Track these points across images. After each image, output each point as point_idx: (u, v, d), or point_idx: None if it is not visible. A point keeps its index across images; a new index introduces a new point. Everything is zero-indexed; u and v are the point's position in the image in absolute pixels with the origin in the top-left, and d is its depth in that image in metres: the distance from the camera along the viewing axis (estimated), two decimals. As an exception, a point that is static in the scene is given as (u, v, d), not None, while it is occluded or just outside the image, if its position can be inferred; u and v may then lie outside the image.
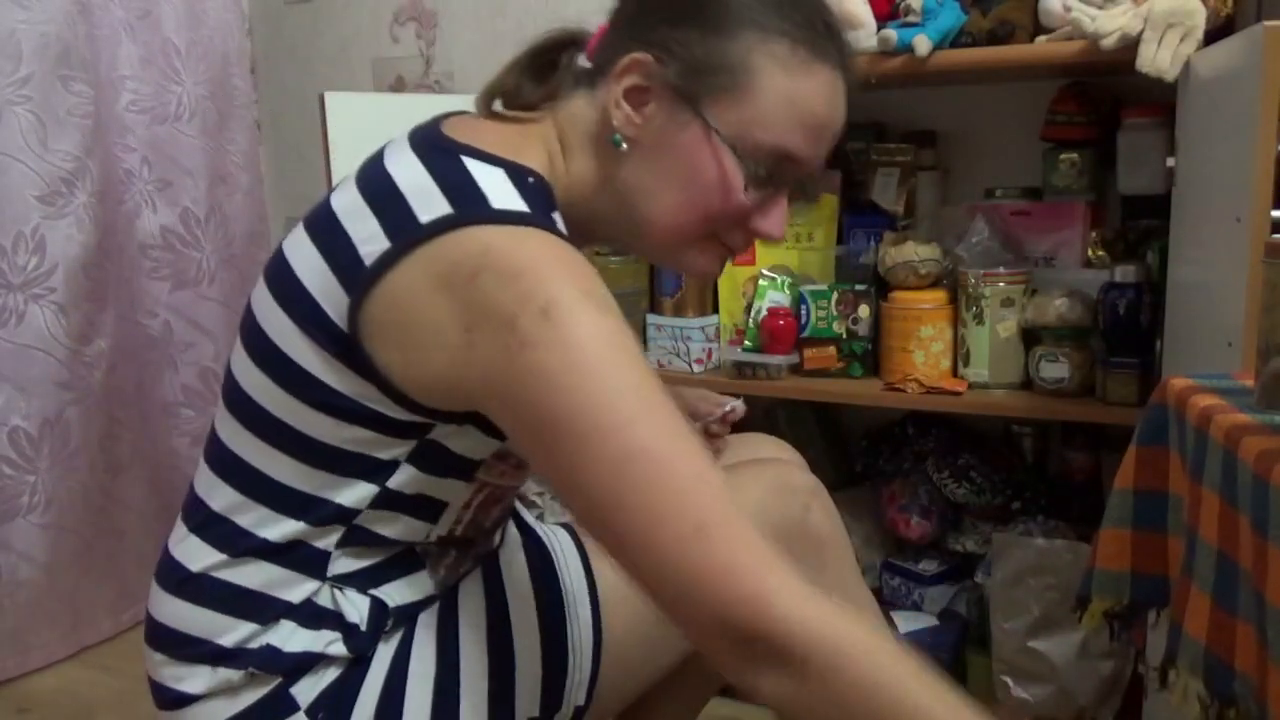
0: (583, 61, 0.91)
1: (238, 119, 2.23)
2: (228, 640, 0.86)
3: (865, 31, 1.48)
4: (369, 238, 0.78)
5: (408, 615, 0.91)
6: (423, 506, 0.87)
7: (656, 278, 1.78)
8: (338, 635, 0.87)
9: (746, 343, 1.70)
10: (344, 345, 0.78)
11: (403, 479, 0.84)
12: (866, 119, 1.82)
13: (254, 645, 0.86)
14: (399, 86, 2.20)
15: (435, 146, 0.83)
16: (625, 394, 0.71)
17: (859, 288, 1.64)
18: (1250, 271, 1.03)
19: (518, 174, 0.81)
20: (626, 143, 0.84)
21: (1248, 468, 0.72)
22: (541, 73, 0.92)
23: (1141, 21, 1.29)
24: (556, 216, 0.82)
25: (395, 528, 0.87)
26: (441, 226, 0.75)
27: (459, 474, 0.86)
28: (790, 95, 0.83)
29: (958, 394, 1.53)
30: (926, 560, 1.76)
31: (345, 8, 2.30)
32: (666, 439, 0.71)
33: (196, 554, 0.88)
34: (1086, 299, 1.49)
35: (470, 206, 0.76)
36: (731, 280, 1.76)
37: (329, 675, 0.88)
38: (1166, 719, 1.23)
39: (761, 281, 1.70)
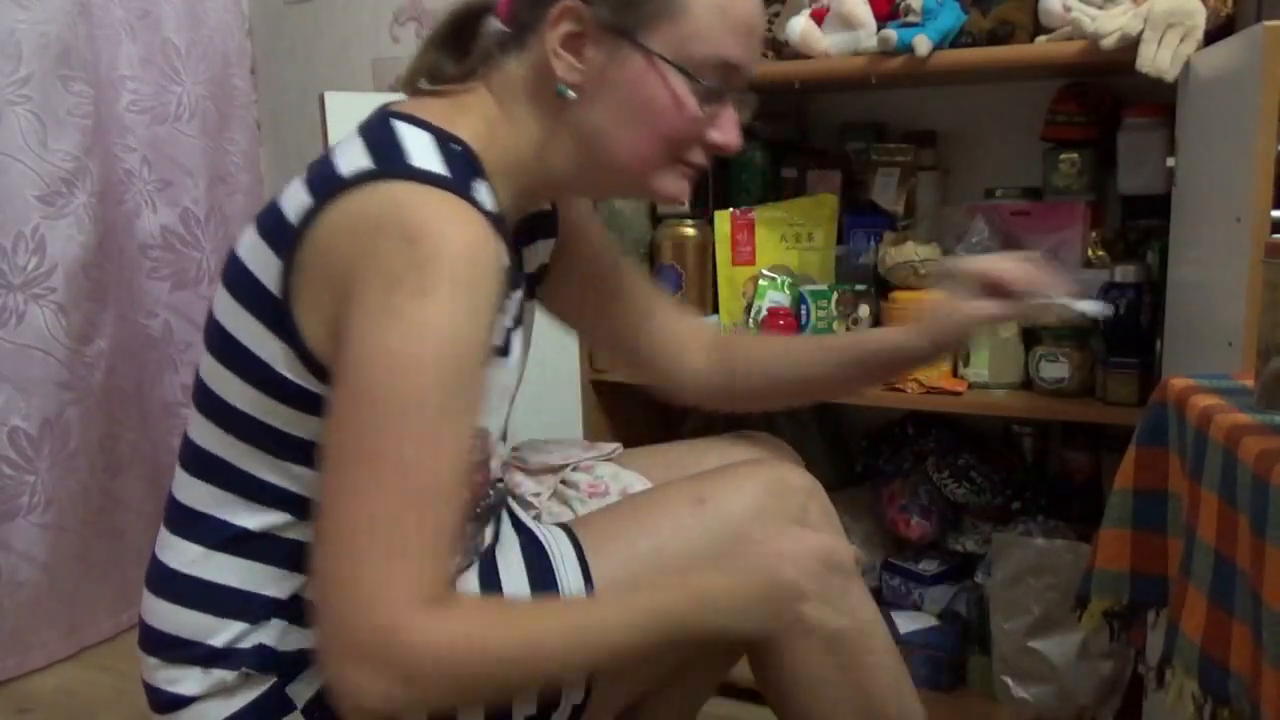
0: (499, 26, 0.92)
1: (238, 119, 2.23)
2: (218, 640, 0.86)
3: (865, 31, 1.48)
4: (297, 202, 0.81)
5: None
6: None
7: (656, 278, 1.78)
8: None
9: (746, 343, 1.70)
10: (274, 310, 0.81)
11: None
12: (866, 119, 1.82)
13: (246, 645, 0.86)
14: (399, 87, 2.20)
15: (372, 120, 0.86)
16: (419, 415, 0.74)
17: (859, 288, 1.64)
18: (1250, 271, 1.03)
19: (444, 139, 0.84)
20: (573, 89, 0.86)
21: (1247, 468, 0.72)
22: (461, 45, 0.93)
23: (1141, 21, 1.29)
24: (480, 186, 0.83)
25: None
26: (360, 179, 0.79)
27: None
28: (719, 5, 0.86)
29: (958, 394, 1.53)
30: (926, 560, 1.76)
31: (345, 8, 2.30)
32: (415, 463, 0.74)
33: (178, 552, 0.88)
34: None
35: (389, 162, 0.80)
36: (731, 280, 1.76)
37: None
38: (1166, 719, 1.23)
39: (761, 281, 1.70)
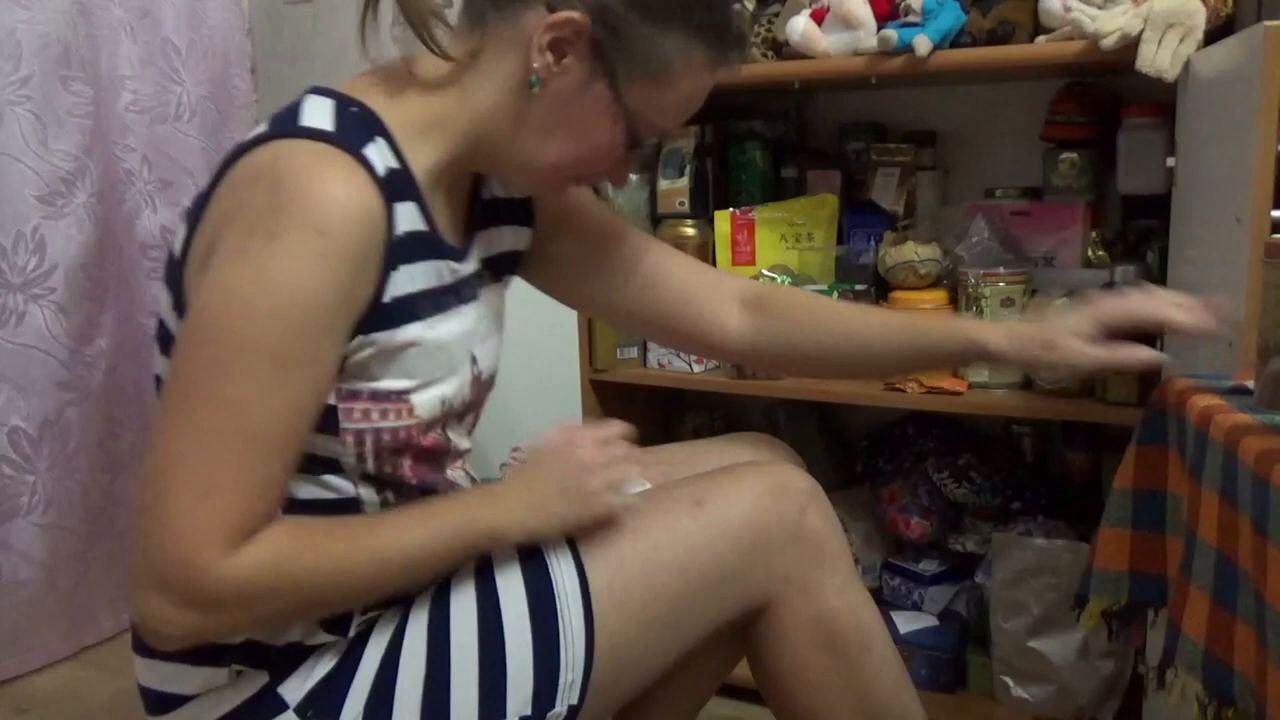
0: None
1: (238, 119, 2.23)
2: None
3: (865, 31, 1.48)
4: (210, 178, 0.85)
5: (382, 602, 0.91)
6: (321, 465, 0.88)
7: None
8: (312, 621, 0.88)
9: (746, 343, 1.69)
10: (174, 277, 0.84)
11: None
12: (866, 119, 1.82)
13: (235, 640, 0.86)
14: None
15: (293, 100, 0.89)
16: (249, 361, 0.77)
17: (859, 288, 1.64)
18: (1250, 271, 1.03)
19: (344, 102, 0.86)
20: (538, 85, 0.89)
21: (1247, 468, 0.72)
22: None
23: (1141, 21, 1.29)
24: (376, 144, 0.85)
25: (319, 489, 0.88)
26: (254, 144, 0.82)
27: (321, 427, 0.85)
28: (689, 93, 0.92)
29: (958, 394, 1.53)
30: (926, 560, 1.76)
31: (345, 8, 2.30)
32: (236, 415, 0.77)
33: None
34: (1087, 299, 1.49)
35: (282, 126, 0.83)
36: (731, 280, 1.75)
37: (317, 673, 0.88)
38: (1167, 719, 1.23)
39: (761, 281, 1.70)
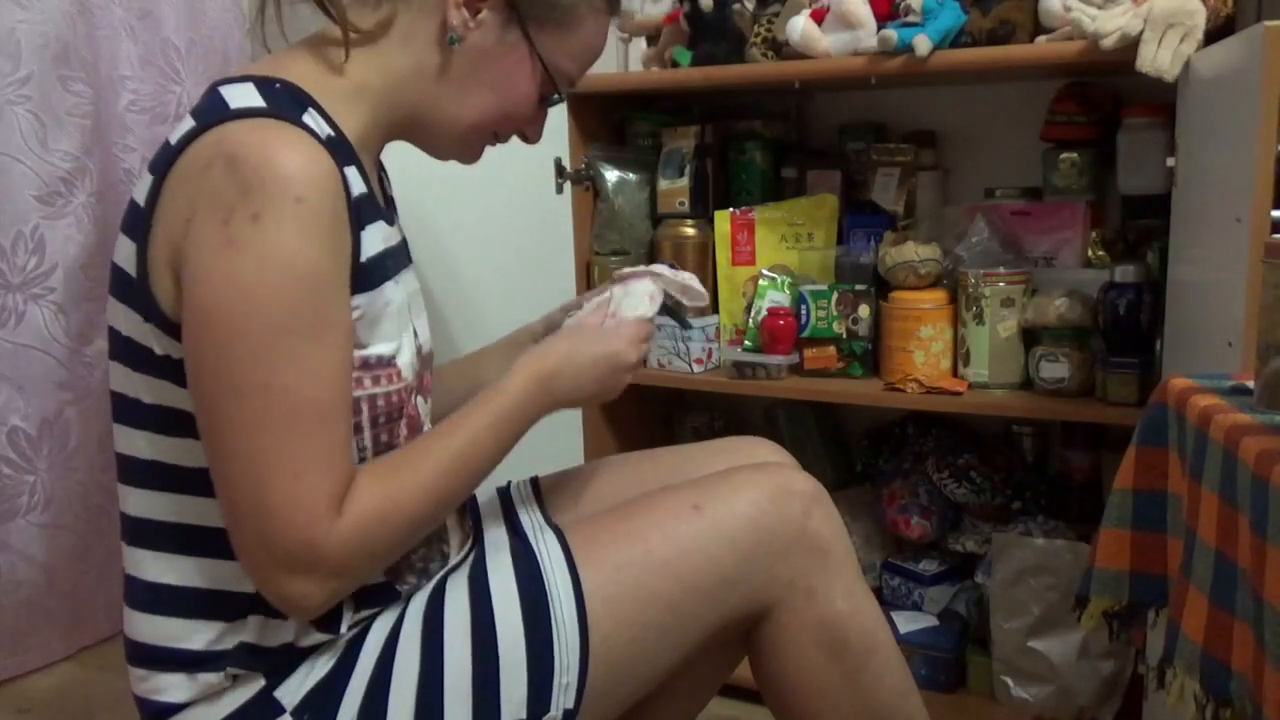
0: None
1: (238, 119, 2.23)
2: (198, 643, 0.86)
3: (865, 31, 1.48)
4: (143, 188, 0.84)
5: (367, 599, 0.91)
6: None
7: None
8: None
9: (746, 343, 1.70)
10: (136, 291, 0.83)
11: None
12: (866, 119, 1.82)
13: (228, 645, 0.87)
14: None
15: (202, 96, 0.88)
16: (278, 339, 0.78)
17: (859, 288, 1.64)
18: (1250, 271, 1.02)
19: (263, 82, 0.86)
20: (457, 41, 0.92)
21: (1247, 468, 0.72)
22: None
23: (1141, 21, 1.29)
24: (310, 113, 0.85)
25: None
26: (187, 139, 0.81)
27: None
28: (591, 38, 0.98)
29: (958, 394, 1.53)
30: (926, 560, 1.76)
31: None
32: (284, 396, 0.79)
33: (140, 563, 0.88)
34: (1086, 299, 1.49)
35: (210, 115, 0.82)
36: (731, 280, 1.76)
37: (313, 676, 0.88)
38: (1167, 719, 1.23)
39: (761, 281, 1.70)
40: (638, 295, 1.10)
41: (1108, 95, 1.60)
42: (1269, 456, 0.69)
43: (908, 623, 1.68)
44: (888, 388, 1.59)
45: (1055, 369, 1.49)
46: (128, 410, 0.88)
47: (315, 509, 0.80)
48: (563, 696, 0.92)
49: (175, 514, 0.87)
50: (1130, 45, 1.30)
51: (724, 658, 1.13)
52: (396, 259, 0.94)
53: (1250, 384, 0.85)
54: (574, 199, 1.77)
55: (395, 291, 0.91)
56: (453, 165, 1.04)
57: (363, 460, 0.90)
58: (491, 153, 1.04)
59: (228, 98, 0.83)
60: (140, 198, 0.84)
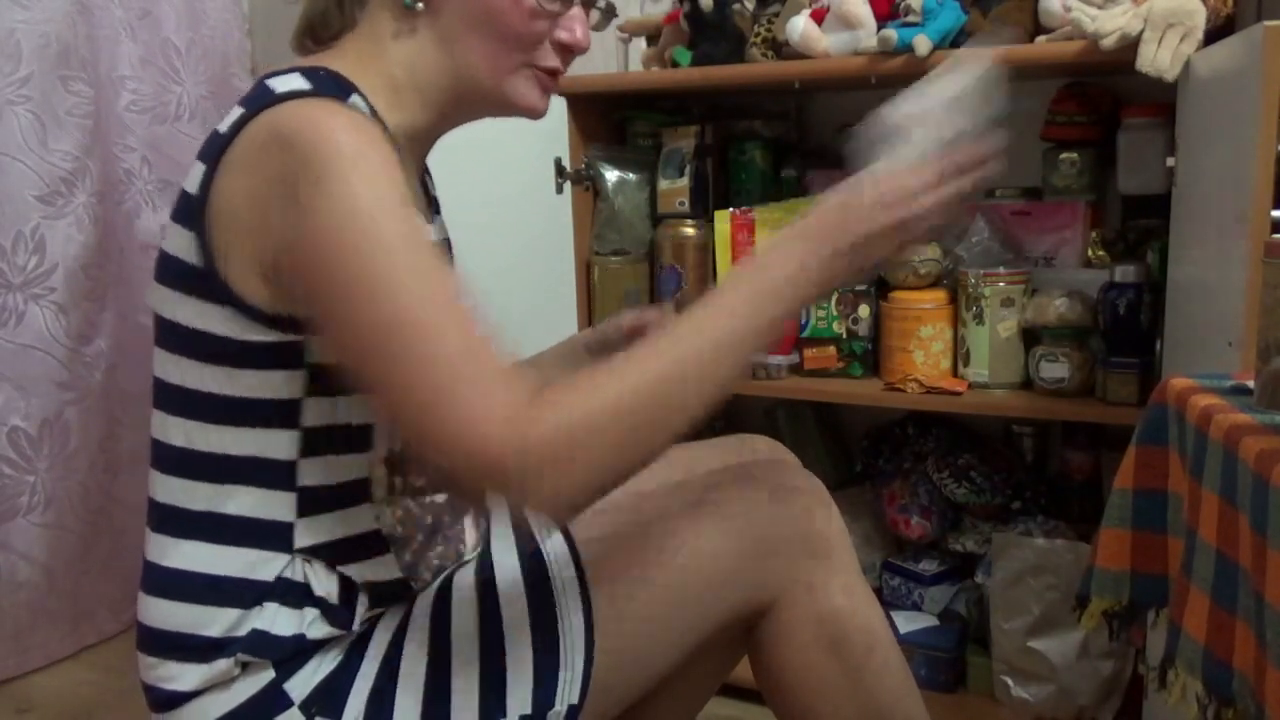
0: None
1: (238, 119, 2.23)
2: (215, 630, 0.87)
3: (865, 31, 1.48)
4: (195, 176, 0.84)
5: (382, 596, 0.91)
6: (350, 435, 0.88)
7: (656, 278, 1.78)
8: (316, 612, 0.88)
9: (746, 343, 1.70)
10: (202, 280, 0.83)
11: (314, 414, 0.86)
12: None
13: (241, 632, 0.87)
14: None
15: (249, 89, 0.88)
16: (394, 261, 0.76)
17: (859, 287, 1.64)
18: (1250, 271, 1.03)
19: (310, 70, 0.86)
20: (421, 2, 0.89)
21: (1247, 468, 0.72)
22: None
23: (1141, 21, 1.29)
24: (354, 98, 0.86)
25: (337, 468, 0.89)
26: (237, 127, 0.81)
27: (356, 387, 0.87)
28: None
29: (958, 394, 1.53)
30: (926, 560, 1.76)
31: (345, 8, 2.30)
32: (424, 306, 0.76)
33: (163, 549, 0.89)
34: (1086, 299, 1.49)
35: (257, 102, 0.82)
36: (731, 280, 1.75)
37: (322, 670, 0.88)
38: (1167, 719, 1.23)
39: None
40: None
41: (1108, 95, 1.60)
42: (1269, 456, 0.69)
43: (908, 623, 1.68)
44: (888, 388, 1.59)
45: (1055, 369, 1.49)
46: (169, 397, 0.88)
47: (510, 402, 0.74)
48: (568, 692, 0.92)
49: (207, 502, 0.87)
50: (1130, 45, 1.30)
51: (724, 655, 1.13)
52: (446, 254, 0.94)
53: (1250, 384, 0.85)
54: (574, 199, 1.77)
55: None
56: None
57: (392, 452, 0.91)
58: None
59: (274, 86, 0.83)
60: (192, 187, 0.84)
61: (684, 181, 1.76)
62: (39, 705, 1.81)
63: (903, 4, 1.46)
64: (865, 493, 1.82)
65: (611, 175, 1.78)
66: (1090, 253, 1.60)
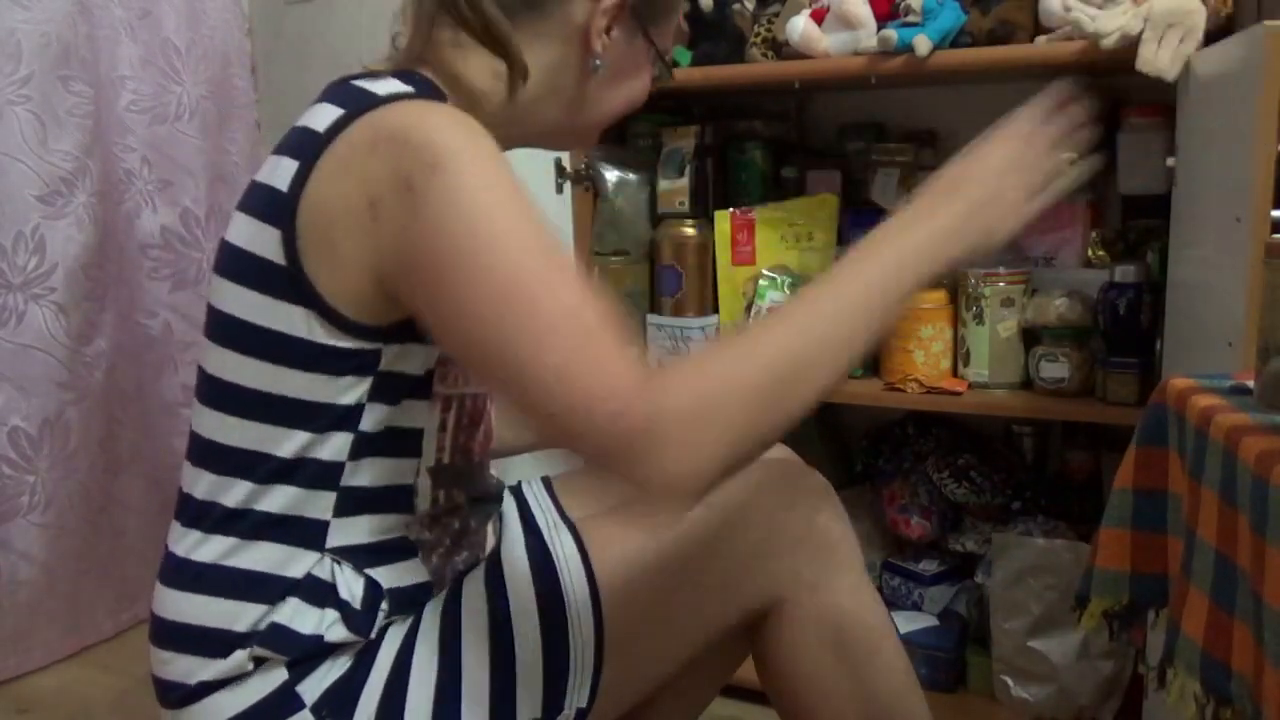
0: None
1: (238, 119, 2.23)
2: (240, 625, 0.87)
3: (865, 31, 1.48)
4: (282, 172, 0.83)
5: (404, 601, 0.91)
6: (400, 440, 0.89)
7: (656, 278, 1.78)
8: (336, 615, 0.88)
9: (746, 343, 1.69)
10: (285, 280, 0.82)
11: (371, 419, 0.86)
12: (866, 119, 1.82)
13: (261, 626, 0.87)
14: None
15: (331, 86, 0.89)
16: (511, 236, 0.76)
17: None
18: (1250, 271, 1.03)
19: (405, 74, 0.88)
20: (601, 65, 0.95)
21: (1247, 468, 0.72)
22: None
23: (1141, 21, 1.29)
24: (447, 104, 0.86)
25: (383, 472, 0.88)
26: (337, 127, 0.81)
27: (417, 393, 0.88)
28: (678, 16, 1.03)
29: (958, 394, 1.53)
30: (926, 560, 1.76)
31: (345, 8, 2.30)
32: (549, 280, 0.76)
33: (194, 543, 0.89)
34: (1086, 299, 1.49)
35: (359, 103, 0.82)
36: (731, 280, 1.76)
37: (334, 673, 0.88)
38: (1166, 719, 1.23)
39: (761, 281, 1.70)
40: None
41: (1108, 95, 1.60)
42: (1269, 456, 0.69)
43: (908, 623, 1.68)
44: (888, 387, 1.59)
45: (1055, 369, 1.49)
46: (221, 393, 0.88)
47: (636, 377, 0.72)
48: (577, 695, 0.92)
49: (245, 499, 0.87)
50: (1130, 45, 1.30)
51: (728, 655, 1.13)
52: None
53: (1250, 384, 0.85)
54: (574, 199, 1.77)
55: None
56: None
57: (439, 462, 0.91)
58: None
59: (372, 88, 0.84)
60: (281, 183, 0.83)
61: (684, 181, 1.76)
62: (39, 705, 1.81)
63: (903, 4, 1.46)
64: (865, 493, 1.82)
65: (611, 175, 1.78)
66: (1090, 253, 1.60)
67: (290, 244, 0.82)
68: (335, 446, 0.86)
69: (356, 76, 0.87)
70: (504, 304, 0.75)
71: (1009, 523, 1.63)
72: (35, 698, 1.83)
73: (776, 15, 1.59)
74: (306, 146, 0.82)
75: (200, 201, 2.12)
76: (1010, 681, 1.58)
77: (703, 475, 0.73)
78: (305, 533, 0.87)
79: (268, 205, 0.84)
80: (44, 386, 1.84)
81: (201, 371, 0.90)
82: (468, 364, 0.81)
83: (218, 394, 0.88)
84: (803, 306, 0.80)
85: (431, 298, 0.78)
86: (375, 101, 0.82)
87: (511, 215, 0.77)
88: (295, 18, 2.37)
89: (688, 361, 0.76)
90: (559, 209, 1.76)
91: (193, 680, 0.88)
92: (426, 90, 0.87)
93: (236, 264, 0.86)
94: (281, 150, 0.85)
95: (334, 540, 0.88)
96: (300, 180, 0.81)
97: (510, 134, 0.95)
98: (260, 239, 0.84)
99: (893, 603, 1.75)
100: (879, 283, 0.81)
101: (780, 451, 1.18)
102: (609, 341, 0.74)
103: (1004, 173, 0.86)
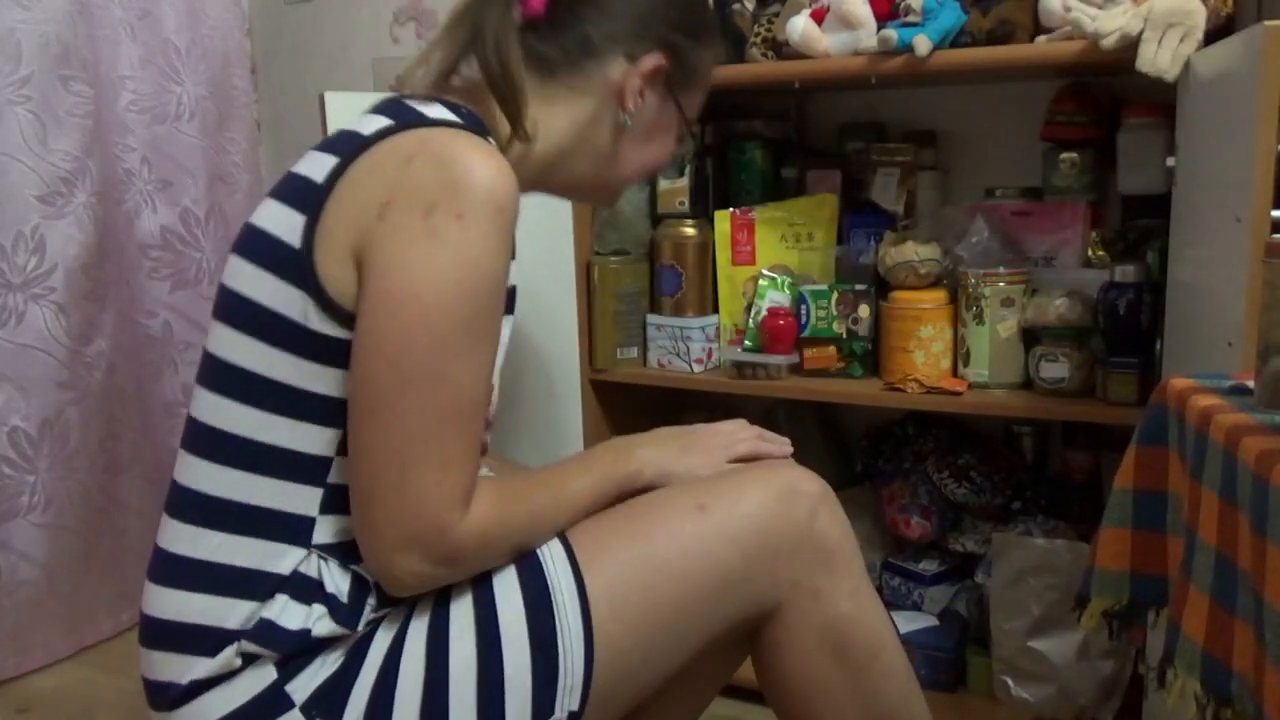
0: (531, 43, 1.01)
1: (238, 119, 2.23)
2: (232, 622, 0.87)
3: (865, 31, 1.48)
4: (321, 166, 0.88)
5: (389, 597, 0.91)
6: None
7: (656, 278, 1.78)
8: (323, 609, 0.88)
9: (746, 343, 1.70)
10: (293, 262, 0.86)
11: None
12: (866, 119, 1.82)
13: (250, 623, 0.87)
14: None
15: (383, 101, 0.95)
16: (471, 327, 0.84)
17: (859, 288, 1.64)
18: (1250, 271, 1.03)
19: (452, 105, 0.93)
20: (631, 124, 1.04)
21: (1247, 468, 0.72)
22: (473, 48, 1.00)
23: (1141, 21, 1.29)
24: (489, 141, 0.92)
25: None
26: (383, 134, 0.87)
27: None
28: (708, 88, 1.12)
29: (958, 394, 1.53)
30: (926, 560, 1.76)
31: (345, 8, 2.30)
32: (461, 384, 0.84)
33: (184, 538, 0.89)
34: (1086, 299, 1.49)
35: (407, 118, 0.89)
36: (731, 280, 1.76)
37: (323, 672, 0.88)
38: (1166, 719, 1.23)
39: (761, 281, 1.70)
40: None
41: (1108, 95, 1.60)
42: (1269, 456, 0.69)
43: (908, 623, 1.68)
44: (888, 388, 1.59)
45: (1055, 369, 1.49)
46: (214, 373, 0.90)
47: (452, 498, 0.85)
48: (567, 699, 0.91)
49: (233, 490, 0.88)
50: (1130, 45, 1.30)
51: (727, 658, 1.12)
52: (511, 298, 0.97)
53: (1250, 384, 0.85)
54: (574, 199, 1.77)
55: (507, 326, 0.95)
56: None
57: None
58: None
59: (423, 109, 0.90)
60: (318, 175, 0.87)
61: (684, 181, 1.76)
62: (39, 705, 1.81)
63: (903, 4, 1.46)
64: (865, 493, 1.82)
65: (611, 175, 1.78)
66: (1090, 253, 1.60)
67: (310, 230, 0.85)
68: (324, 440, 0.88)
69: (407, 97, 0.93)
70: (403, 388, 0.83)
71: (1009, 523, 1.63)
72: (35, 698, 1.83)
73: (776, 15, 1.59)
74: (349, 146, 0.87)
75: (200, 201, 2.13)
76: (1010, 681, 1.58)
77: (467, 574, 0.92)
78: (292, 528, 0.88)
79: (298, 191, 0.88)
80: (44, 386, 1.84)
81: (203, 352, 0.92)
82: (354, 389, 0.86)
83: (214, 373, 0.90)
84: (550, 483, 0.98)
85: (369, 317, 0.84)
86: (424, 121, 0.88)
87: (478, 310, 0.84)
88: (295, 18, 2.37)
89: (489, 502, 0.89)
90: (559, 208, 1.76)
91: (184, 680, 0.88)
92: (473, 124, 0.91)
93: (253, 242, 0.90)
94: (323, 148, 0.90)
95: (320, 537, 0.89)
96: (336, 174, 0.86)
97: (535, 179, 1.02)
98: (285, 223, 0.87)
99: (893, 603, 1.75)
100: (589, 483, 1.00)
101: (779, 454, 1.17)
102: (455, 472, 0.85)
103: (692, 449, 1.06)
